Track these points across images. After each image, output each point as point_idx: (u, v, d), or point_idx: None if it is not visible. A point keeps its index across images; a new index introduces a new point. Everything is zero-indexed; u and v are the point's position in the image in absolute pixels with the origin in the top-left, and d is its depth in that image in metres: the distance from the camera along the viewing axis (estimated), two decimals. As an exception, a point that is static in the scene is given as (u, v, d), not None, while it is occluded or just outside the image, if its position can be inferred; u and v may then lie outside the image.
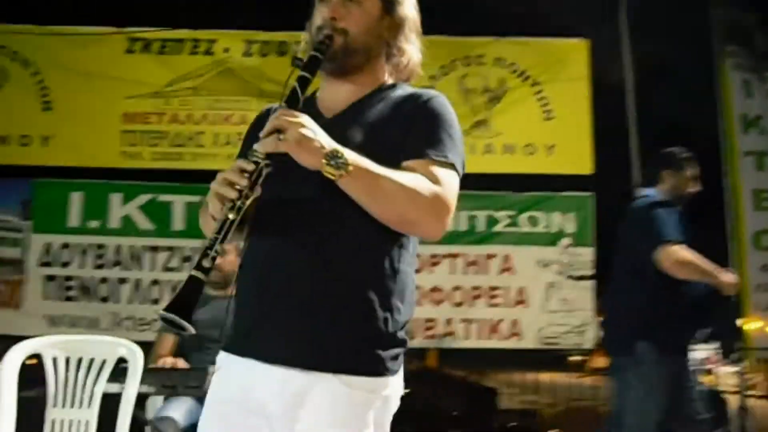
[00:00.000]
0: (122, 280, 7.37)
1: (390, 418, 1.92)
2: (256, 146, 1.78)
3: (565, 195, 7.57)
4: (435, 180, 1.84)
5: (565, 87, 7.67)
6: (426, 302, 7.26)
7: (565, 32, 7.73)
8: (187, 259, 7.43)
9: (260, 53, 7.68)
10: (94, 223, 7.47)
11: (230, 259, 4.28)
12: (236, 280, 1.96)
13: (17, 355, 3.44)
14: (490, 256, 7.39)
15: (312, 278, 1.83)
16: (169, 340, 4.34)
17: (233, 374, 1.90)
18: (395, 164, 1.84)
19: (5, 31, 7.78)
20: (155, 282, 7.38)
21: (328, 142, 1.76)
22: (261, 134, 1.78)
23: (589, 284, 7.36)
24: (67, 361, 3.54)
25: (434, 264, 7.35)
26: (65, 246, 7.35)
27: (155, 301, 7.33)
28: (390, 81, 2.08)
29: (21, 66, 7.73)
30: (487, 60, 7.73)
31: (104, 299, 7.24)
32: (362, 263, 1.86)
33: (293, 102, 1.83)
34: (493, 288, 7.33)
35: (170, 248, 7.46)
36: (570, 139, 7.59)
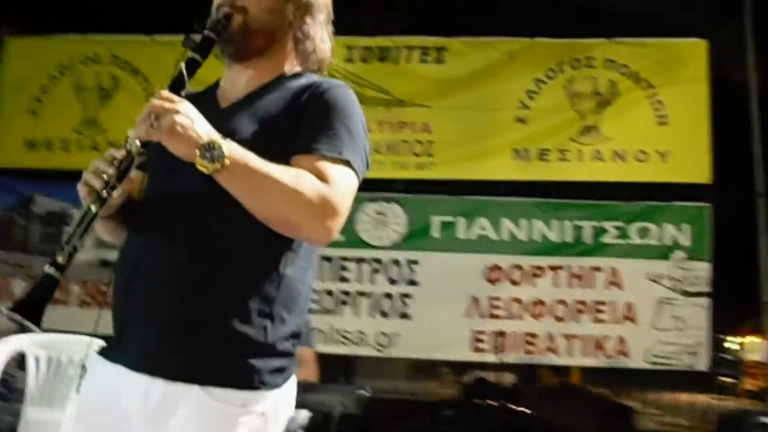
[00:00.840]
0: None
1: (273, 428, 1.74)
2: (129, 132, 1.63)
3: (679, 205, 7.08)
4: (324, 178, 1.66)
5: (681, 90, 7.19)
6: (527, 316, 6.96)
7: (681, 32, 7.24)
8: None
9: (361, 59, 7.57)
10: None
11: None
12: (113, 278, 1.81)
13: (1, 352, 3.39)
14: (596, 269, 6.99)
15: (180, 280, 1.68)
16: None
17: (101, 379, 1.76)
18: (285, 160, 1.68)
19: (117, 41, 8.02)
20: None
21: (205, 132, 1.60)
22: (137, 119, 1.62)
23: (705, 302, 6.85)
24: (49, 360, 3.50)
25: (536, 276, 7.03)
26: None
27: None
28: (296, 69, 1.91)
29: (131, 75, 7.94)
30: (597, 62, 7.32)
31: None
32: (239, 266, 1.69)
33: (177, 86, 1.69)
34: (599, 303, 6.92)
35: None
36: (686, 145, 7.10)
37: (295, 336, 1.76)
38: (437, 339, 7.08)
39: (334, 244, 7.18)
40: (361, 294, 7.22)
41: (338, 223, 1.67)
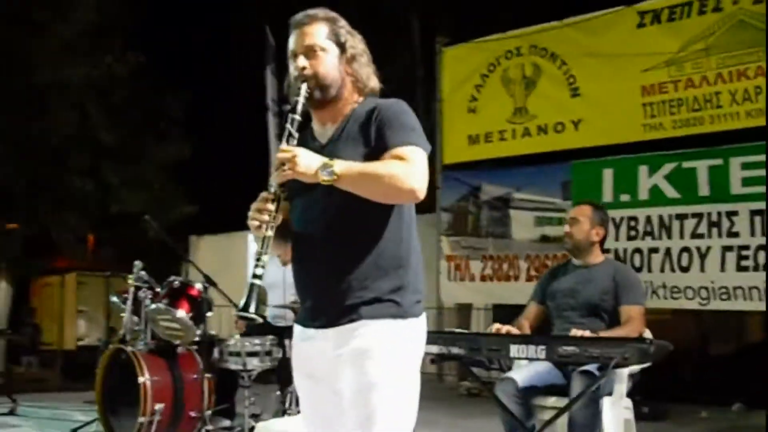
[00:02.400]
0: (653, 250, 7.62)
1: (419, 348, 2.49)
2: (270, 180, 2.42)
3: None
4: (402, 159, 2.39)
5: None
6: None
7: None
8: (714, 224, 7.32)
9: (774, -8, 7.09)
10: (625, 197, 7.85)
11: (582, 227, 4.45)
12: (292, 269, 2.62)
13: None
14: None
15: (335, 258, 2.45)
16: (533, 309, 4.61)
17: (298, 341, 2.61)
18: (376, 159, 2.43)
19: (533, 32, 8.65)
20: (685, 249, 7.45)
21: (318, 160, 2.36)
22: (272, 169, 2.41)
23: None
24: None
25: None
26: (600, 221, 7.84)
27: (685, 269, 7.41)
28: (360, 99, 2.63)
29: (550, 60, 8.52)
30: None
31: (638, 269, 7.51)
32: (372, 240, 2.46)
33: (288, 138, 2.45)
34: None
35: (697, 214, 7.44)
36: None
37: (418, 277, 2.52)
38: None
39: None
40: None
41: (422, 184, 2.37)
